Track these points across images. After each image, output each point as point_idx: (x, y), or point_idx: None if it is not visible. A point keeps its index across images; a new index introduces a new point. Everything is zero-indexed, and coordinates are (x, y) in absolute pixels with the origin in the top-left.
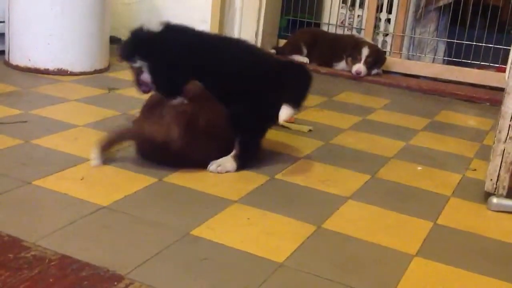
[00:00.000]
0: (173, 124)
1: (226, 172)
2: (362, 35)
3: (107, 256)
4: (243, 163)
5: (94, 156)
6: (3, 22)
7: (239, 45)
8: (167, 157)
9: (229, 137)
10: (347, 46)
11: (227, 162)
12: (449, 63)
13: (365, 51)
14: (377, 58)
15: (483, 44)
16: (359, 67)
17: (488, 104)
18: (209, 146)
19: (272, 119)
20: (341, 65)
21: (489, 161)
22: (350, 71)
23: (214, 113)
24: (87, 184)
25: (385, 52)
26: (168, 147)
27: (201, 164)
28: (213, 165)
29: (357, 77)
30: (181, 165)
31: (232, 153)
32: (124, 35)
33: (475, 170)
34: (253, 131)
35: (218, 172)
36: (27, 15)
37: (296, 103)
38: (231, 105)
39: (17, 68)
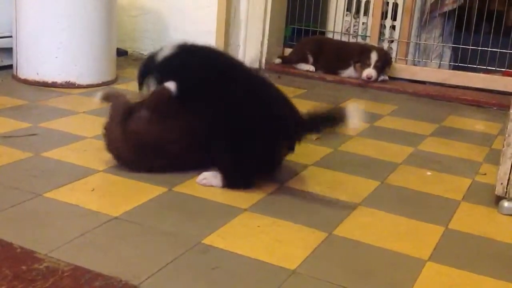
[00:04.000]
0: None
1: (210, 186)
2: (367, 42)
3: (119, 266)
4: (230, 185)
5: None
6: (11, 36)
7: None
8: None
9: (185, 154)
10: (353, 53)
11: (214, 177)
12: (455, 68)
13: (374, 56)
14: (385, 61)
15: (489, 49)
16: (370, 71)
17: (495, 108)
18: (155, 162)
19: (258, 152)
20: (348, 72)
21: (499, 165)
22: (358, 78)
23: (168, 130)
24: (97, 195)
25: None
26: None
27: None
28: (200, 176)
29: (366, 83)
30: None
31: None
32: (130, 47)
33: (485, 174)
34: (238, 160)
35: (203, 185)
36: (35, 29)
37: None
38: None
39: (25, 81)
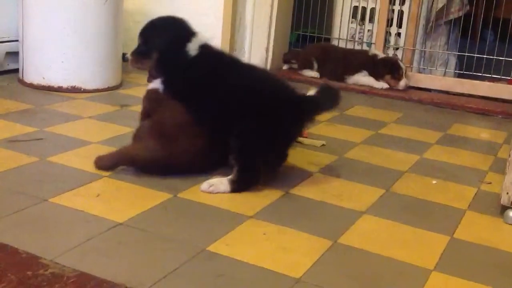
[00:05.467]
0: (148, 139)
1: (218, 193)
2: (373, 49)
3: (124, 272)
4: (238, 188)
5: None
6: (17, 41)
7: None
8: (163, 168)
9: (199, 133)
10: (365, 61)
11: (221, 183)
12: (460, 76)
13: (402, 65)
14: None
15: (494, 57)
16: (406, 81)
17: (500, 116)
18: (186, 145)
19: (272, 149)
20: (354, 79)
21: (505, 174)
22: (384, 88)
23: (176, 112)
24: (103, 201)
25: None
26: (154, 161)
27: (199, 167)
28: (205, 184)
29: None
30: (180, 172)
31: (229, 177)
32: None
33: (490, 183)
34: (253, 159)
35: (210, 192)
36: (41, 34)
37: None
38: (234, 131)
39: (31, 86)
